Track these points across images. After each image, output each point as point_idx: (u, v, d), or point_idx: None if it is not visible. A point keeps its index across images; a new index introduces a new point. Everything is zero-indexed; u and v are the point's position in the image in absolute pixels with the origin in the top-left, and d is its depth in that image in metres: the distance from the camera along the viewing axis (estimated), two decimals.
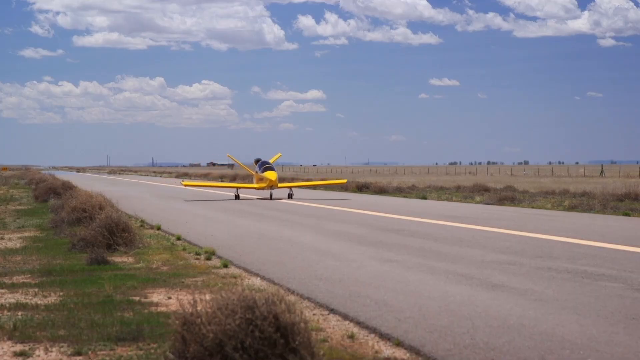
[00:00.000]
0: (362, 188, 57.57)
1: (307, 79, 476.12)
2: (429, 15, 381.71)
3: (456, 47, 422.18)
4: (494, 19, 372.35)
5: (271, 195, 45.22)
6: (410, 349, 9.75)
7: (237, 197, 45.73)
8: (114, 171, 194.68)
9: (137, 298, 13.14)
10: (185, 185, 52.68)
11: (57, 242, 21.49)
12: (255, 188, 46.41)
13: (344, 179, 57.99)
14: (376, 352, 9.69)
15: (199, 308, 8.57)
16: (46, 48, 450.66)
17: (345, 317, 11.61)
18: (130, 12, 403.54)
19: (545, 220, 28.47)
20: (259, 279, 15.43)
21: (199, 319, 8.45)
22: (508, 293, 13.25)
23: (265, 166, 46.21)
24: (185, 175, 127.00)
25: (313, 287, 14.06)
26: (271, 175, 45.26)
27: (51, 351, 9.73)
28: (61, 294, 13.63)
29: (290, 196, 45.85)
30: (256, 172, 46.71)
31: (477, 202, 41.21)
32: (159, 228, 26.03)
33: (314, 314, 11.90)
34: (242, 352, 8.21)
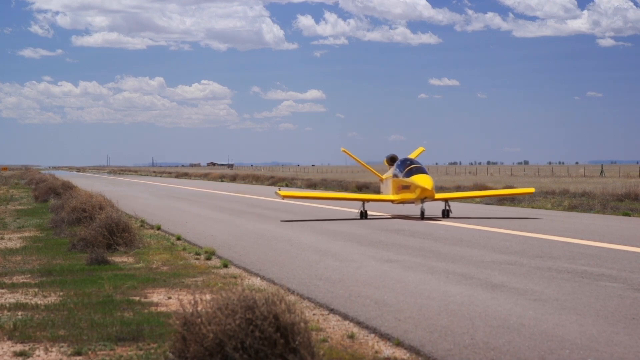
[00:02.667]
0: (362, 188, 57.56)
1: (307, 79, 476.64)
2: (429, 15, 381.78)
3: (456, 47, 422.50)
4: (494, 19, 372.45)
5: (422, 213, 29.49)
6: (410, 349, 9.75)
7: (363, 215, 30.18)
8: (114, 171, 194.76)
9: (137, 298, 13.14)
10: (284, 197, 33.43)
11: (57, 242, 21.49)
12: (391, 200, 31.77)
13: (530, 187, 38.91)
14: (376, 352, 9.69)
15: (199, 308, 8.57)
16: (45, 48, 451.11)
17: (345, 317, 11.62)
18: (129, 12, 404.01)
19: (546, 220, 28.47)
20: (259, 278, 15.43)
21: (199, 319, 8.45)
22: (508, 293, 13.25)
23: (412, 166, 30.81)
24: (185, 175, 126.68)
25: (313, 287, 14.07)
26: (424, 181, 29.70)
27: (51, 351, 9.73)
28: (61, 294, 13.63)
29: (446, 214, 30.19)
30: (394, 175, 31.58)
31: (477, 202, 41.21)
32: (159, 228, 26.04)
33: (314, 314, 11.90)
34: (242, 352, 8.21)
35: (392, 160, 33.06)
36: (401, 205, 32.65)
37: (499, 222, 27.79)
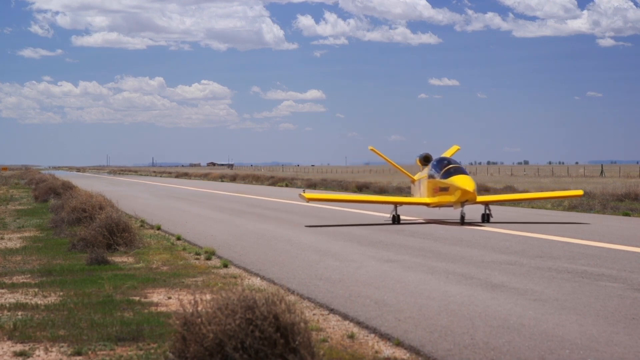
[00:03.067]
0: (362, 188, 57.57)
1: (307, 79, 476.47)
2: (429, 15, 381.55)
3: (456, 47, 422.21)
4: (494, 19, 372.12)
5: (462, 218, 27.12)
6: (410, 349, 9.76)
7: (395, 219, 27.84)
8: (114, 171, 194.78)
9: (137, 298, 13.14)
10: (309, 200, 30.48)
11: (57, 242, 21.49)
12: (426, 204, 28.94)
13: (578, 189, 35.84)
14: (376, 352, 9.70)
15: (199, 308, 8.58)
16: (45, 48, 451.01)
17: (345, 317, 11.62)
18: (129, 12, 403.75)
19: (545, 221, 28.47)
20: (259, 278, 15.44)
21: (199, 319, 8.45)
22: (508, 293, 13.26)
23: (450, 166, 28.25)
24: (185, 176, 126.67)
25: (313, 287, 14.07)
26: (465, 182, 27.20)
27: (51, 351, 9.73)
28: (61, 294, 13.63)
29: (486, 218, 27.90)
30: (430, 176, 28.80)
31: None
32: (159, 228, 26.05)
33: (314, 314, 11.90)
34: (242, 352, 8.21)
35: (425, 159, 30.39)
36: (439, 208, 29.56)
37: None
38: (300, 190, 34.96)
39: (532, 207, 36.67)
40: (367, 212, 33.40)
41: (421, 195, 29.62)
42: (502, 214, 31.32)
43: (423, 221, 28.82)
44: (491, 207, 29.08)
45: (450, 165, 28.11)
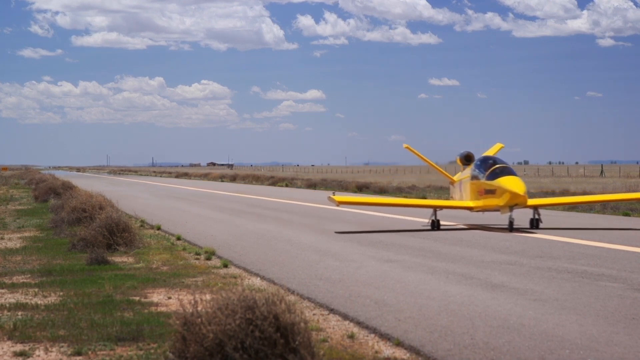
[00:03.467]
0: (362, 188, 57.57)
1: (307, 79, 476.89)
2: (429, 15, 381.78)
3: (456, 47, 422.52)
4: (493, 19, 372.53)
5: (511, 224, 24.62)
6: (410, 349, 9.76)
7: (434, 224, 25.43)
8: (114, 171, 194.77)
9: (137, 298, 13.14)
10: (339, 204, 26.92)
11: (57, 242, 21.49)
12: (469, 208, 26.50)
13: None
14: (376, 352, 9.70)
15: (199, 308, 8.58)
16: (45, 48, 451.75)
17: (345, 317, 11.62)
18: (129, 12, 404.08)
19: (545, 221, 28.44)
20: (259, 279, 15.44)
21: (199, 319, 8.45)
22: (508, 293, 13.26)
23: (496, 167, 25.58)
24: (185, 176, 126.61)
25: (313, 287, 14.07)
26: (514, 184, 24.76)
27: (51, 351, 9.73)
28: (61, 294, 13.63)
29: (535, 223, 25.38)
30: (473, 177, 26.32)
31: None
32: (159, 228, 26.05)
33: (314, 314, 11.90)
34: (242, 352, 8.21)
35: (467, 158, 27.70)
36: (483, 213, 27.24)
37: (498, 222, 27.42)
38: (329, 193, 30.28)
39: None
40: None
41: (462, 198, 27.15)
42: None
43: (465, 227, 26.24)
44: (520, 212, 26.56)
45: (497, 165, 25.55)
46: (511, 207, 24.70)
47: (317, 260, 17.81)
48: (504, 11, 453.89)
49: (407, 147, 31.13)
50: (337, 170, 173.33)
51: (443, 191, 53.09)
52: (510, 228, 24.49)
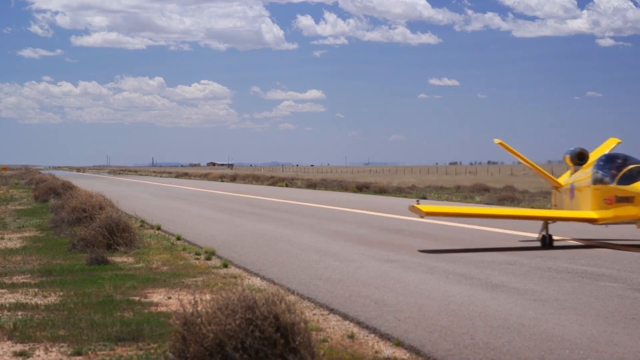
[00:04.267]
0: (362, 188, 57.59)
1: (307, 79, 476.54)
2: (428, 15, 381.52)
3: (455, 47, 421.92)
4: (493, 19, 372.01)
5: None
6: (410, 349, 9.76)
7: (546, 241, 20.37)
8: (114, 171, 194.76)
9: (137, 298, 13.14)
10: (426, 214, 21.03)
11: (57, 242, 21.49)
12: (592, 220, 20.52)
13: None
14: (376, 352, 9.70)
15: (199, 308, 8.58)
16: (45, 48, 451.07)
17: (345, 317, 11.62)
18: (129, 12, 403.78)
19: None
20: (259, 279, 15.44)
21: (199, 319, 8.45)
22: (508, 293, 13.26)
23: (631, 167, 20.15)
24: (185, 176, 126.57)
25: (313, 287, 14.07)
26: None
27: (51, 351, 9.73)
28: (61, 294, 13.63)
29: None
30: (596, 181, 20.77)
31: (477, 202, 41.19)
32: (159, 228, 26.05)
33: (314, 314, 11.90)
34: (242, 352, 8.21)
35: (580, 157, 22.47)
36: (606, 225, 21.18)
37: (499, 222, 27.38)
38: (412, 201, 23.59)
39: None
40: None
41: (576, 206, 21.51)
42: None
43: (585, 244, 20.90)
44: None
45: (632, 166, 20.14)
46: None
47: (317, 260, 17.82)
48: (503, 11, 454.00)
49: (500, 143, 25.10)
50: (337, 170, 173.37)
51: (443, 191, 53.11)
52: None
